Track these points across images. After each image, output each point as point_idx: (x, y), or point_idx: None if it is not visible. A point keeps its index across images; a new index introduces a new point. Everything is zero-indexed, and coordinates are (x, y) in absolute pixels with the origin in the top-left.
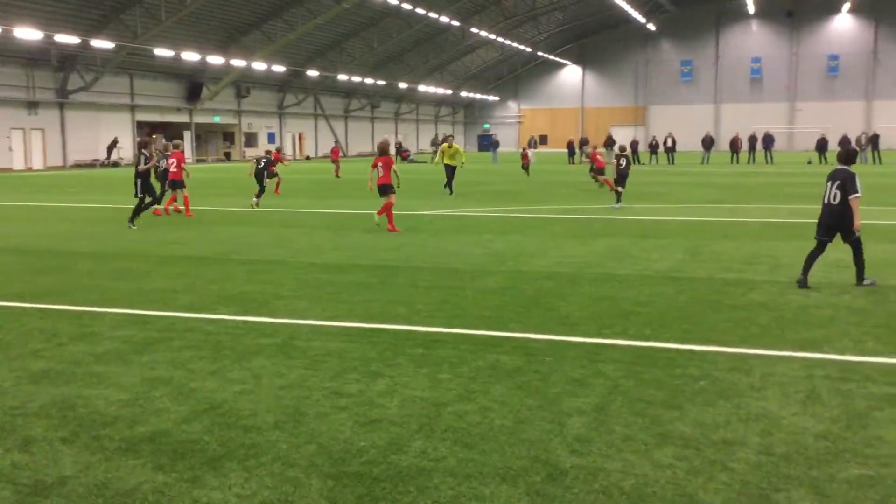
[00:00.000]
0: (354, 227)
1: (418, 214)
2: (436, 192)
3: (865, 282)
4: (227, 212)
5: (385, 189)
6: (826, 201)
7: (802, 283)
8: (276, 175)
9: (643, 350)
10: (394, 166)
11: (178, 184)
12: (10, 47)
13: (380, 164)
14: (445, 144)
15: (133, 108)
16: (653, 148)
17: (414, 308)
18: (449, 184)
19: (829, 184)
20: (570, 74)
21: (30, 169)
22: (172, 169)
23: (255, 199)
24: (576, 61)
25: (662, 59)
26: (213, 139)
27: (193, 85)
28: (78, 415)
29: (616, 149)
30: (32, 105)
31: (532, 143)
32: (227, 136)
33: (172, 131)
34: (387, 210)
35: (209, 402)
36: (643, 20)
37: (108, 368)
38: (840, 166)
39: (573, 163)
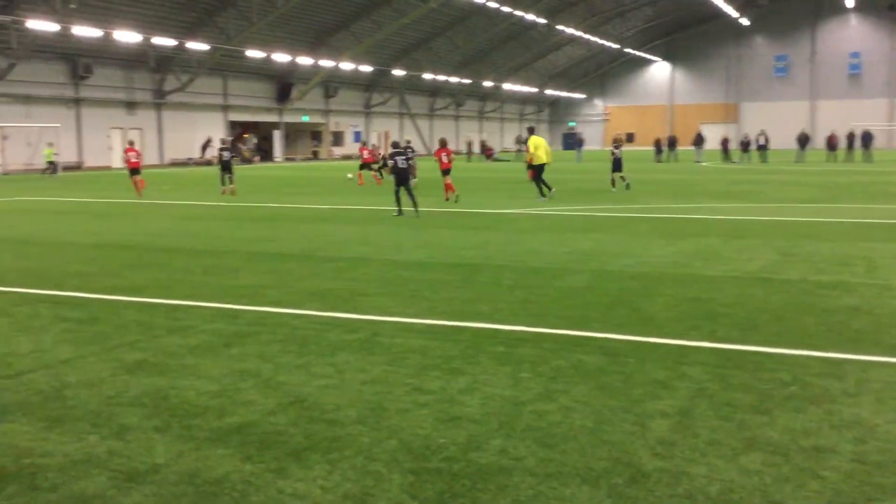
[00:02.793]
0: (435, 226)
1: (501, 213)
2: (518, 191)
3: None
4: (311, 210)
5: (446, 171)
6: None
7: None
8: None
9: (731, 353)
10: (452, 154)
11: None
12: (111, 50)
13: (443, 154)
14: (540, 139)
15: (225, 109)
16: (745, 146)
17: (496, 306)
18: (546, 185)
19: None
20: (659, 71)
21: None
22: (133, 159)
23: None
24: (664, 57)
25: (755, 54)
26: (301, 138)
27: (283, 85)
28: (170, 405)
29: (612, 143)
30: (131, 105)
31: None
32: (315, 135)
33: (263, 131)
34: (450, 186)
35: (295, 395)
36: (735, 15)
37: (200, 360)
38: None
39: (660, 160)
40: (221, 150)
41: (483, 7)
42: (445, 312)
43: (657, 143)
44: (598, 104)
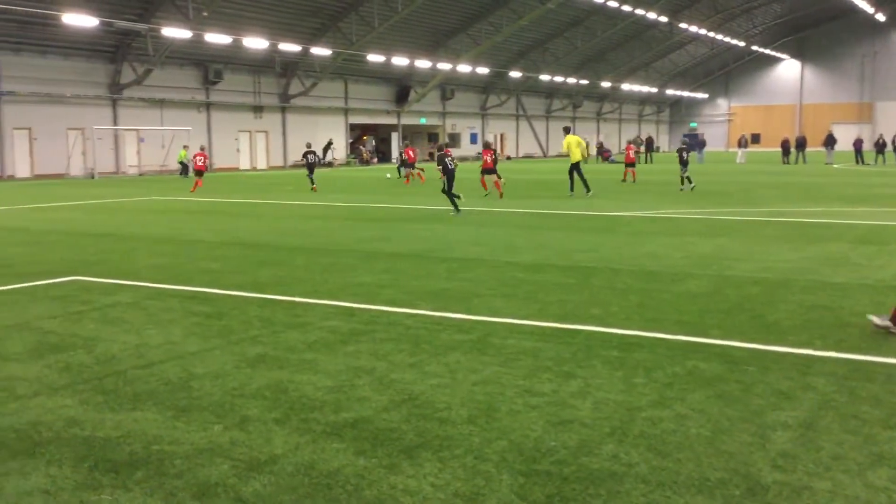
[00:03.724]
0: (549, 227)
1: (616, 216)
2: (634, 193)
3: None
4: (424, 210)
5: (491, 171)
6: None
7: None
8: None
9: (860, 364)
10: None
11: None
12: (240, 56)
13: (487, 155)
14: (574, 137)
15: (346, 111)
16: (879, 147)
17: (609, 310)
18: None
19: None
20: (787, 69)
21: (254, 168)
22: (199, 163)
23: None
24: (794, 55)
25: (893, 51)
26: (418, 140)
27: (402, 88)
28: (289, 398)
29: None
30: (258, 109)
31: (742, 143)
32: (432, 136)
33: (381, 132)
34: (497, 185)
35: (407, 392)
36: (871, 10)
37: (318, 356)
38: None
39: (787, 162)
40: (306, 153)
41: (603, 7)
42: (558, 315)
43: (785, 144)
44: (722, 104)
